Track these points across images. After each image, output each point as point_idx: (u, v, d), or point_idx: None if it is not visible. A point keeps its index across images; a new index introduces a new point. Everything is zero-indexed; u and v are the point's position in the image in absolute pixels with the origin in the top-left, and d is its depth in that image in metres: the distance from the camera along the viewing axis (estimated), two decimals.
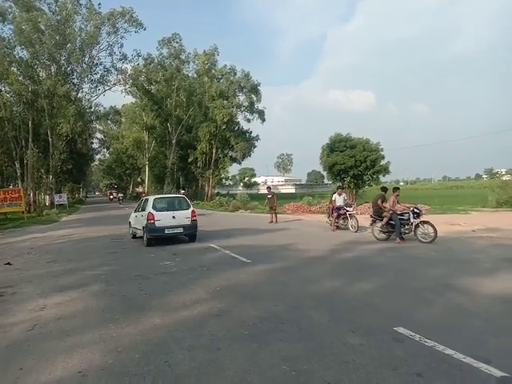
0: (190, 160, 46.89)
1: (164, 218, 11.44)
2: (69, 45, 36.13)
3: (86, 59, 38.45)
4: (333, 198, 14.78)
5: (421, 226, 10.57)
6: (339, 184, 21.93)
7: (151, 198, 12.37)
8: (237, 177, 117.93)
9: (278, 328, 4.40)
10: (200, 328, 4.49)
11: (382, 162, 27.83)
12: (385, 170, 28.04)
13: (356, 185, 28.28)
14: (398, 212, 10.90)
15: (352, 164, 26.87)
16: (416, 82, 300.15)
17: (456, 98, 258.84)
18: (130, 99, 54.05)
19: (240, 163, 53.20)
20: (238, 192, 46.77)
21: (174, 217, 11.57)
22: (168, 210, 11.79)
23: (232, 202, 29.69)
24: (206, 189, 48.25)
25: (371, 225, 11.73)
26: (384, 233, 11.16)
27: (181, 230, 11.75)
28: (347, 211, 14.02)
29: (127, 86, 44.34)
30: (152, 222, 11.30)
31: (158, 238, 11.58)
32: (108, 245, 12.06)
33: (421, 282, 6.41)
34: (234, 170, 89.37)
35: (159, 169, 54.06)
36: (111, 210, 33.90)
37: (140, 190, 68.90)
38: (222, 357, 3.71)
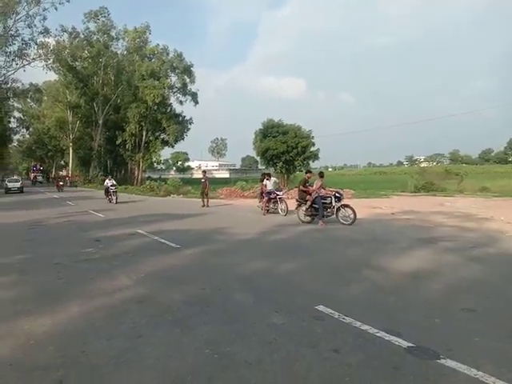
0: (118, 142, 44.84)
1: (11, 184, 35.51)
2: None
3: (0, 29, 34.85)
4: (264, 183, 15.06)
5: (342, 209, 11.18)
6: (263, 172, 22.08)
7: (7, 179, 39.28)
8: (169, 161, 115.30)
9: (202, 312, 4.37)
10: (121, 316, 4.31)
11: (312, 149, 28.79)
12: (314, 156, 29.07)
13: (287, 170, 28.99)
14: (321, 195, 11.41)
15: (284, 150, 27.44)
16: (344, 71, 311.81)
17: (379, 89, 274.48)
18: (52, 76, 50.20)
19: (173, 146, 52.02)
20: (171, 176, 45.76)
21: (14, 184, 35.59)
22: (12, 182, 36.24)
23: (164, 187, 28.93)
24: (136, 173, 46.55)
25: (297, 208, 12.15)
26: (308, 216, 11.61)
27: (16, 189, 34.53)
28: (277, 195, 14.33)
29: (49, 61, 40.97)
30: (6, 185, 35.73)
31: (8, 191, 33.98)
32: (26, 231, 11.16)
33: (342, 262, 6.76)
34: (166, 153, 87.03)
35: (84, 151, 51.02)
36: (33, 195, 31.66)
37: (64, 173, 64.72)
38: (143, 344, 3.59)
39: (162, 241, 8.88)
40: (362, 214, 12.77)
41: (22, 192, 34.36)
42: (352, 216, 10.85)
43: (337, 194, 11.32)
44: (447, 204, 16.79)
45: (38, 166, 64.68)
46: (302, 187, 11.85)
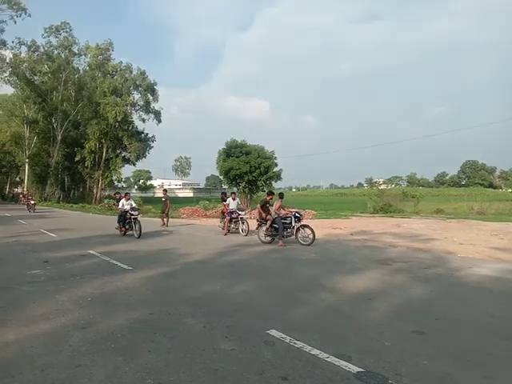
0: (76, 159, 43.53)
1: None
2: None
3: None
4: (226, 202, 14.94)
5: (301, 229, 11.24)
6: (223, 191, 21.76)
7: None
8: (131, 179, 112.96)
9: (149, 338, 4.14)
10: (61, 343, 4.01)
11: (275, 169, 29.09)
12: (277, 177, 29.37)
13: (250, 190, 29.05)
14: (281, 216, 11.45)
15: (247, 170, 27.54)
16: (307, 94, 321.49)
17: (340, 113, 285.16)
18: (8, 89, 48.36)
19: (134, 164, 51.14)
20: (131, 195, 44.70)
21: None
22: None
23: None
24: (95, 191, 45.15)
25: (257, 228, 12.12)
26: (269, 236, 11.59)
27: None
28: (239, 215, 14.23)
29: (5, 74, 39.59)
30: None
31: None
32: None
33: (297, 283, 6.71)
34: (128, 171, 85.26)
35: (41, 168, 48.95)
36: None
37: (19, 190, 61.84)
38: (81, 374, 3.33)
39: (114, 262, 8.51)
40: (322, 234, 12.89)
41: None
42: (311, 236, 10.92)
43: (296, 214, 11.39)
44: (404, 225, 17.26)
45: None
46: (259, 207, 11.99)
